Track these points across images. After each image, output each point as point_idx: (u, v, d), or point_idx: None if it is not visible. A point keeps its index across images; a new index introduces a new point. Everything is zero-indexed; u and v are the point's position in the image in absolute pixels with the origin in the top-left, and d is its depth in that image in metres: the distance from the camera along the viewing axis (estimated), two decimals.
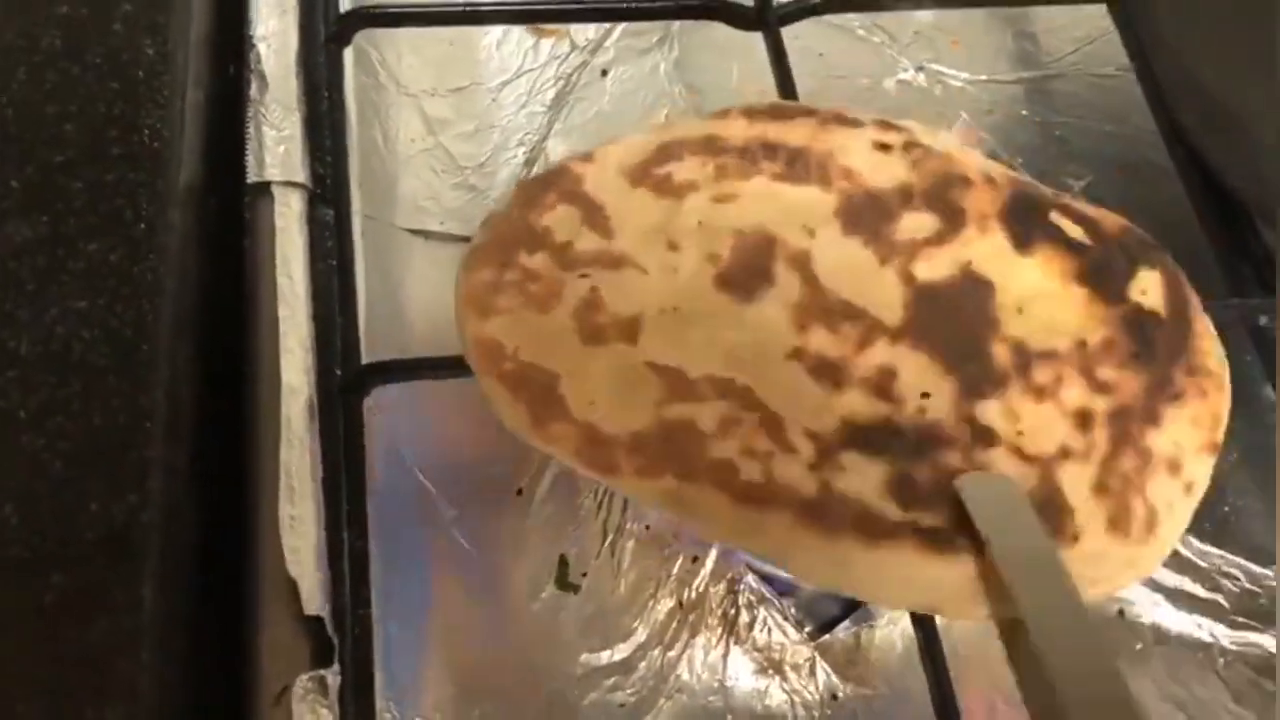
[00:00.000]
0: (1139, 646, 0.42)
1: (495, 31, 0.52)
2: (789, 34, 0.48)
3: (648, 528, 0.42)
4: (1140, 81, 0.51)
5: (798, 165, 0.37)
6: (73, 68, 0.37)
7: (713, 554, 0.41)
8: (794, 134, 0.38)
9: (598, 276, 0.35)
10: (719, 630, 0.40)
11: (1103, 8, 0.53)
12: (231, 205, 0.41)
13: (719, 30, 0.50)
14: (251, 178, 0.42)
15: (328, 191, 0.43)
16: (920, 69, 0.55)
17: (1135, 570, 0.33)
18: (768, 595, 0.41)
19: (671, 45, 0.54)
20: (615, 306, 0.34)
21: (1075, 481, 0.32)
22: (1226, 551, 0.44)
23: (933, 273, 0.35)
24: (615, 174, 0.37)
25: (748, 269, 0.35)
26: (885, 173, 0.37)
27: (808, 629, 0.41)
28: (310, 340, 0.39)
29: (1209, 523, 0.44)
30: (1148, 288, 0.36)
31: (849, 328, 0.34)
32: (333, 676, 0.34)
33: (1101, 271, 0.36)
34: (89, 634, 0.29)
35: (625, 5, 0.48)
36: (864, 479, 0.31)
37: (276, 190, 0.41)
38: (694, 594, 0.41)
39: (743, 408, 0.32)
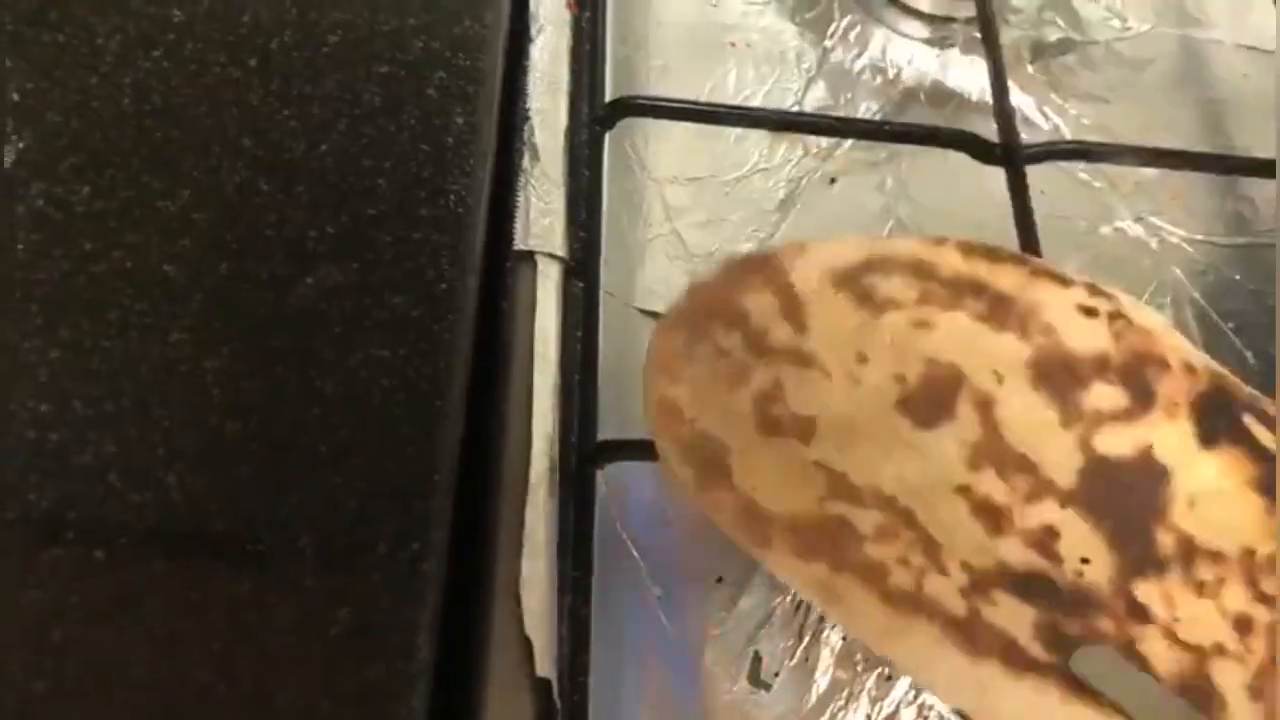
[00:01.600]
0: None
1: (739, 130, 0.55)
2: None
3: (845, 638, 0.43)
4: None
5: (1000, 310, 0.37)
6: (389, 125, 0.39)
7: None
8: (1004, 279, 0.38)
9: (784, 370, 0.36)
10: None
11: None
12: (494, 270, 0.44)
13: (952, 155, 0.51)
14: (518, 245, 0.44)
15: (579, 266, 0.45)
16: (1139, 220, 0.56)
17: None
18: None
19: (901, 165, 0.56)
20: (794, 403, 0.36)
21: (1229, 676, 0.32)
22: None
23: (1112, 448, 0.35)
24: (821, 273, 0.39)
25: (931, 398, 0.36)
26: (1085, 337, 0.37)
27: None
28: (555, 410, 0.41)
29: None
30: None
31: (1020, 480, 0.34)
32: None
33: None
34: (368, 673, 0.30)
35: (876, 126, 0.50)
36: (1014, 616, 0.32)
37: (540, 260, 0.44)
38: (884, 710, 0.42)
39: (901, 524, 0.33)
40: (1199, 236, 0.56)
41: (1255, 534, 0.34)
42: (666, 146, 0.53)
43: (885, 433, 0.35)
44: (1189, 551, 0.34)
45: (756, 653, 0.43)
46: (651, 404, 0.36)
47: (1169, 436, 0.35)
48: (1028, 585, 0.33)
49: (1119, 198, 0.57)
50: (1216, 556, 0.34)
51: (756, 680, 0.42)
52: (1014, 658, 0.32)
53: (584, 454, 0.41)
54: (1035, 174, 0.55)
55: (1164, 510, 0.34)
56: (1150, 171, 0.57)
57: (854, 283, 0.38)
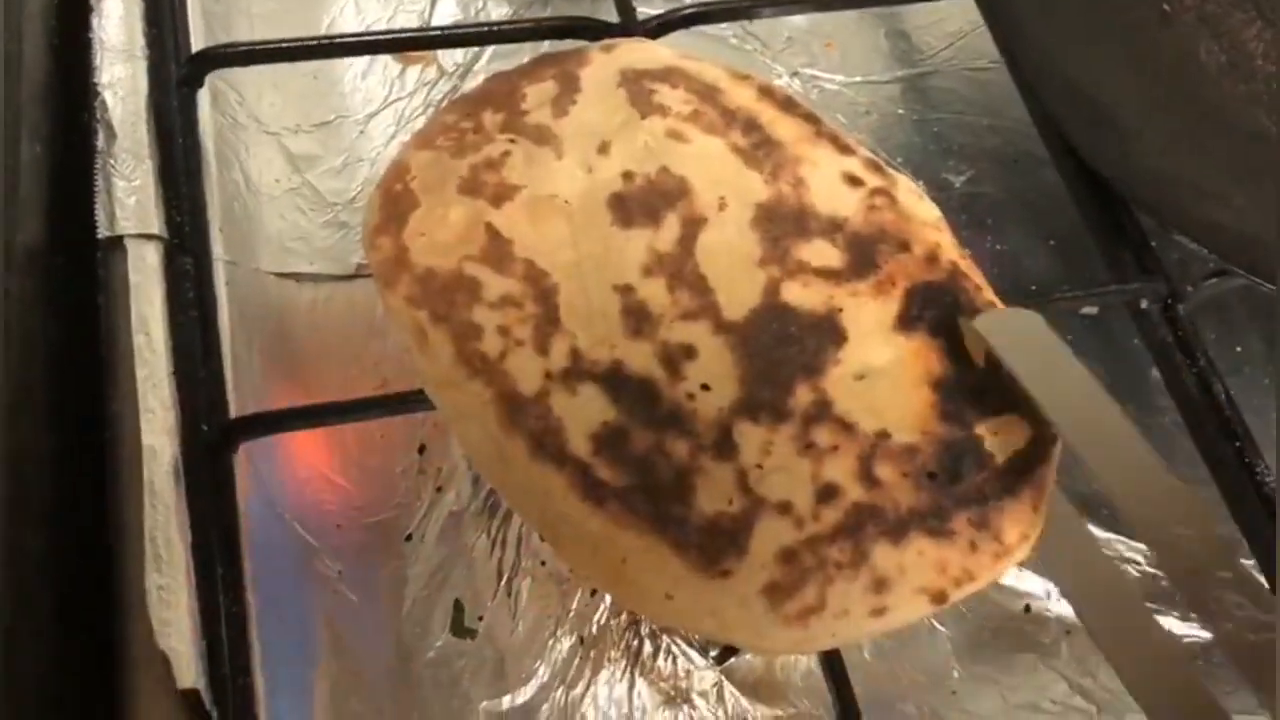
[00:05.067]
0: (1047, 640, 0.42)
1: (360, 63, 0.51)
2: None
3: (544, 564, 0.41)
4: (1011, 73, 0.51)
5: (760, 152, 0.37)
6: None
7: None
8: (784, 128, 0.38)
9: (520, 145, 0.36)
10: (623, 663, 0.39)
11: (971, 1, 0.53)
12: (85, 264, 0.40)
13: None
14: (103, 232, 0.40)
15: (186, 241, 0.41)
16: (795, 74, 0.55)
17: (748, 637, 0.31)
18: None
19: None
20: (510, 174, 0.36)
21: (769, 535, 0.30)
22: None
23: (797, 299, 0.34)
24: (616, 69, 0.39)
25: (645, 202, 0.35)
26: (834, 200, 0.36)
27: (713, 654, 0.40)
28: (173, 399, 0.38)
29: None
30: (1005, 435, 0.33)
31: (687, 297, 0.34)
32: None
33: (964, 391, 0.33)
34: None
35: (486, 29, 0.47)
36: (585, 409, 0.32)
37: (130, 244, 0.40)
38: (595, 628, 0.40)
39: (533, 298, 0.33)
40: (857, 79, 0.55)
41: (902, 423, 0.32)
42: (281, 95, 0.49)
43: (583, 217, 0.35)
44: (819, 414, 0.32)
45: (457, 601, 0.40)
46: (390, 162, 0.37)
47: (867, 308, 0.34)
48: (626, 387, 0.32)
49: (773, 56, 0.55)
50: (847, 428, 0.32)
51: (460, 629, 0.40)
52: (545, 442, 0.31)
53: (212, 440, 0.37)
54: (685, 46, 0.53)
55: (820, 370, 0.33)
56: (801, 23, 0.56)
57: (638, 84, 0.38)
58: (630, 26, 0.47)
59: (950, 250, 0.36)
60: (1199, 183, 0.44)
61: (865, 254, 0.35)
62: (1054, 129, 0.49)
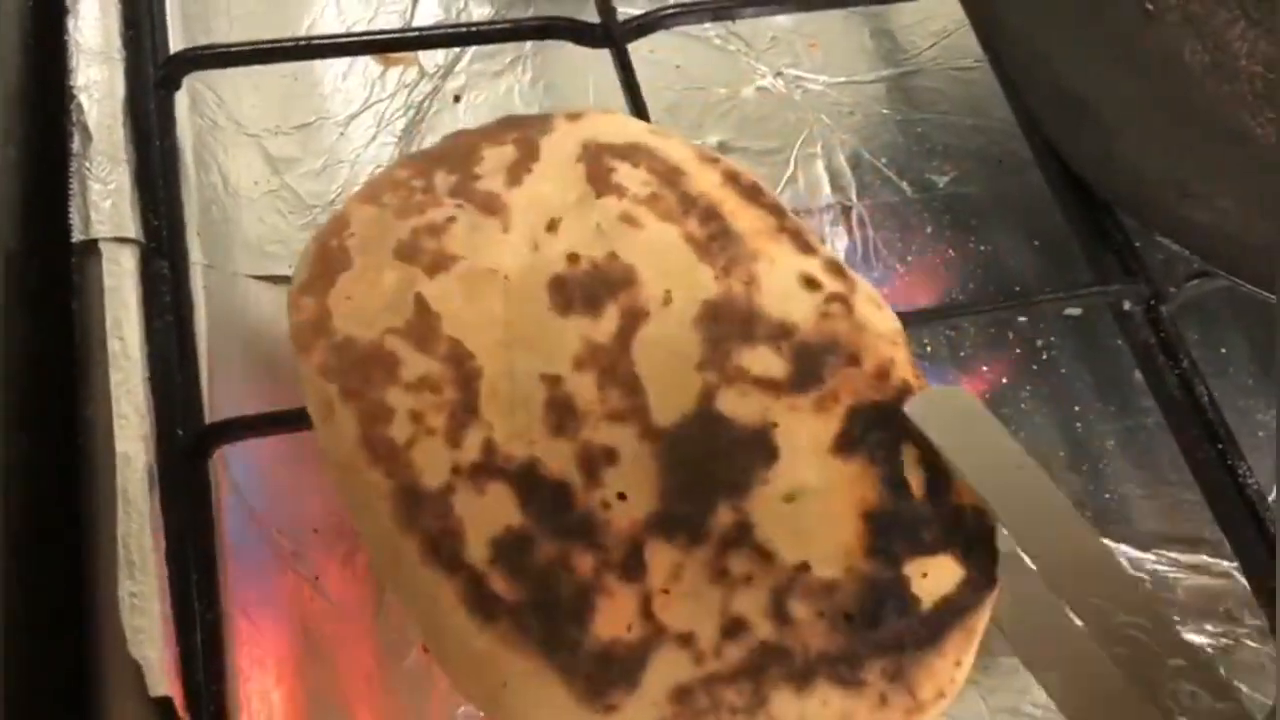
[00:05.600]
0: None
1: (340, 64, 0.51)
2: (643, 47, 0.47)
3: None
4: (995, 72, 0.51)
5: (715, 245, 0.35)
6: None
7: None
8: (745, 219, 0.35)
9: (466, 212, 0.35)
10: None
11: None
12: (60, 268, 0.39)
13: (572, 47, 0.49)
14: (77, 236, 0.40)
15: (163, 244, 0.41)
16: (779, 75, 0.55)
17: None
18: None
19: (525, 66, 0.53)
20: (450, 243, 0.34)
21: (666, 669, 0.29)
22: (1108, 539, 0.44)
23: (732, 409, 0.32)
24: (579, 141, 0.37)
25: (587, 289, 0.34)
26: (785, 303, 0.34)
27: None
28: (148, 405, 0.37)
29: (1090, 511, 0.44)
30: (936, 576, 0.30)
31: (616, 396, 0.32)
32: None
33: (898, 524, 0.31)
34: None
35: (467, 29, 0.47)
36: (487, 513, 0.30)
37: (104, 247, 0.39)
38: None
39: (453, 382, 0.31)
40: (841, 79, 0.55)
41: (825, 555, 0.30)
42: (261, 98, 0.49)
43: (520, 299, 0.33)
44: (738, 537, 0.30)
45: None
46: (332, 214, 0.36)
47: (805, 425, 0.32)
48: (538, 489, 0.30)
49: (756, 56, 0.55)
50: (766, 556, 0.30)
51: None
52: (436, 547, 0.29)
53: (187, 446, 0.37)
54: (668, 47, 0.53)
55: (745, 490, 0.31)
56: (785, 22, 0.56)
57: (599, 159, 0.36)
58: (611, 27, 0.46)
59: (904, 368, 0.34)
60: (1181, 183, 0.44)
61: (811, 365, 0.33)
62: (1038, 129, 0.48)
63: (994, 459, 0.31)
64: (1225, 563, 0.43)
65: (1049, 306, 0.46)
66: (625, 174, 0.36)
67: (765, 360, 0.33)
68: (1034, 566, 0.29)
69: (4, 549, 0.33)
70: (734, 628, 0.29)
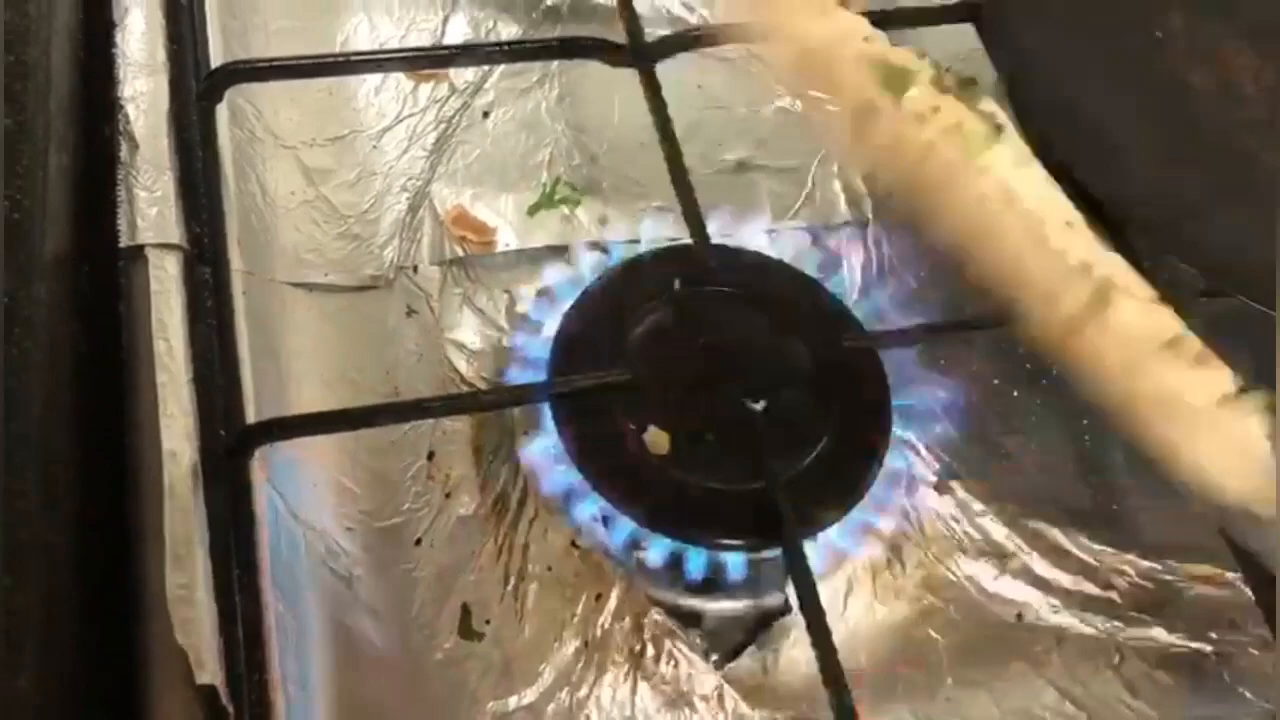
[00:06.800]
0: (1039, 649, 0.43)
1: (373, 79, 0.52)
2: (665, 66, 0.49)
3: (550, 569, 0.42)
4: (1009, 96, 0.52)
5: None
6: None
7: (615, 591, 0.41)
8: None
9: None
10: (625, 667, 0.40)
11: (970, 26, 0.55)
12: (108, 272, 0.41)
13: (597, 65, 0.50)
14: (124, 242, 0.41)
15: (205, 251, 0.42)
16: (798, 94, 0.56)
17: None
18: (673, 628, 0.41)
19: (552, 83, 0.54)
20: None
21: None
22: (1115, 549, 0.45)
23: None
24: None
25: None
26: None
27: (714, 658, 0.41)
28: (192, 404, 0.39)
29: (1097, 521, 0.46)
30: None
31: None
32: None
33: None
34: None
35: (496, 48, 0.48)
36: None
37: (150, 253, 0.41)
38: (599, 632, 0.41)
39: None
40: None
41: None
42: (297, 110, 0.51)
43: None
44: None
45: (465, 604, 0.41)
46: None
47: None
48: None
49: (776, 78, 0.56)
50: None
51: (468, 632, 0.41)
52: None
53: (230, 445, 0.39)
54: (691, 68, 0.55)
55: None
56: None
57: None
58: (638, 47, 0.48)
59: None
60: (1190, 204, 0.45)
61: None
62: (1050, 151, 0.50)
63: None
64: (1229, 573, 0.44)
65: None
66: None
67: None
68: None
69: (57, 542, 0.34)
70: None
